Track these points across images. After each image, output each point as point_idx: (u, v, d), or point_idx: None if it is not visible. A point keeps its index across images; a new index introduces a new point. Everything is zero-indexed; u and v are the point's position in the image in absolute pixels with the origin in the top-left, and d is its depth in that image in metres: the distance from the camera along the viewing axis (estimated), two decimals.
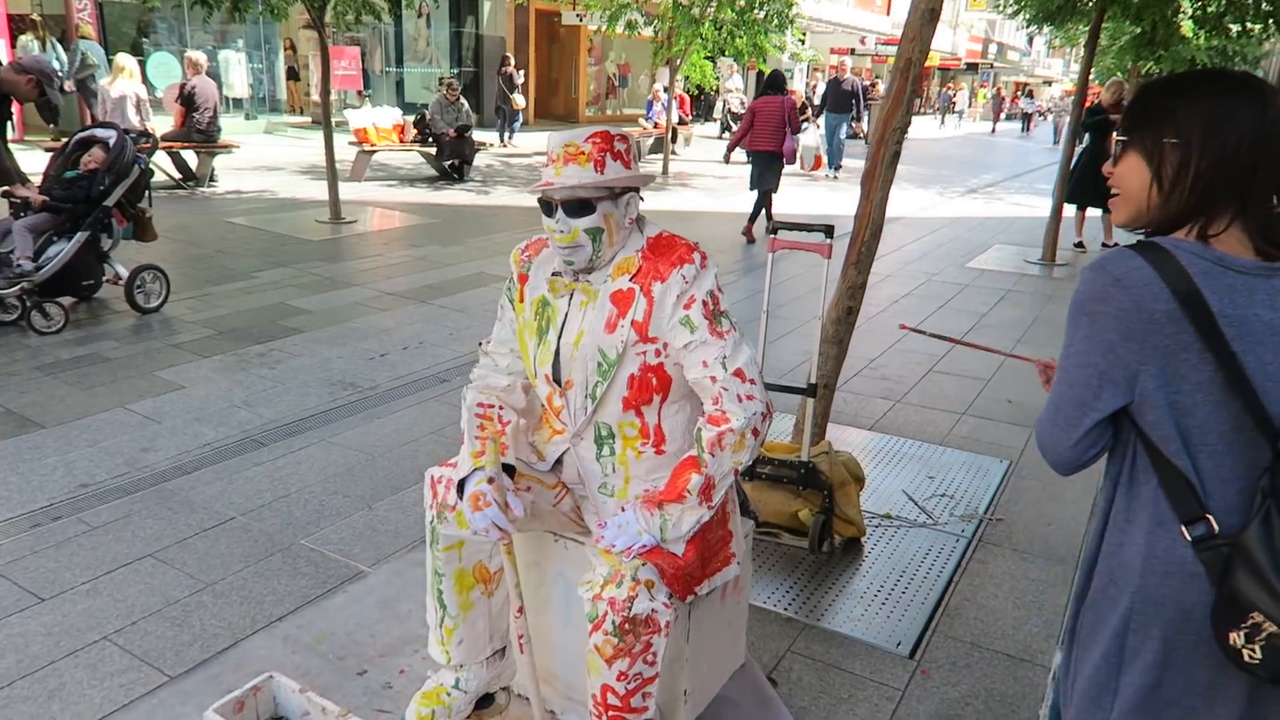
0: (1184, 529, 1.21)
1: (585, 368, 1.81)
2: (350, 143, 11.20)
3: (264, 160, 12.64)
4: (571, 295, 1.86)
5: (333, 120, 8.54)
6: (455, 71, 19.16)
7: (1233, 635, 1.16)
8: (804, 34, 15.58)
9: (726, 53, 13.67)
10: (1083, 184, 8.38)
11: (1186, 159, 1.22)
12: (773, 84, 8.93)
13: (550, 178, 1.77)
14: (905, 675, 2.44)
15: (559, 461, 1.96)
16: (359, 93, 16.71)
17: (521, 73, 16.67)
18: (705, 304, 1.75)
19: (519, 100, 16.69)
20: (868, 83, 29.24)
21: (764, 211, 8.92)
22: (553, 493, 1.95)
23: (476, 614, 1.97)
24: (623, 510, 1.81)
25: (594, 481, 1.90)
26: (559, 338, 1.86)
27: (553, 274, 1.89)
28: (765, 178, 8.87)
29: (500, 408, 1.95)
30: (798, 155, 11.11)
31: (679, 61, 13.71)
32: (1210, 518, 1.20)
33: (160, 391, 4.24)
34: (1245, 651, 1.15)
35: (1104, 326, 1.22)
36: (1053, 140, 27.56)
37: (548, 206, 1.79)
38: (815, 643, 2.57)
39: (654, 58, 13.96)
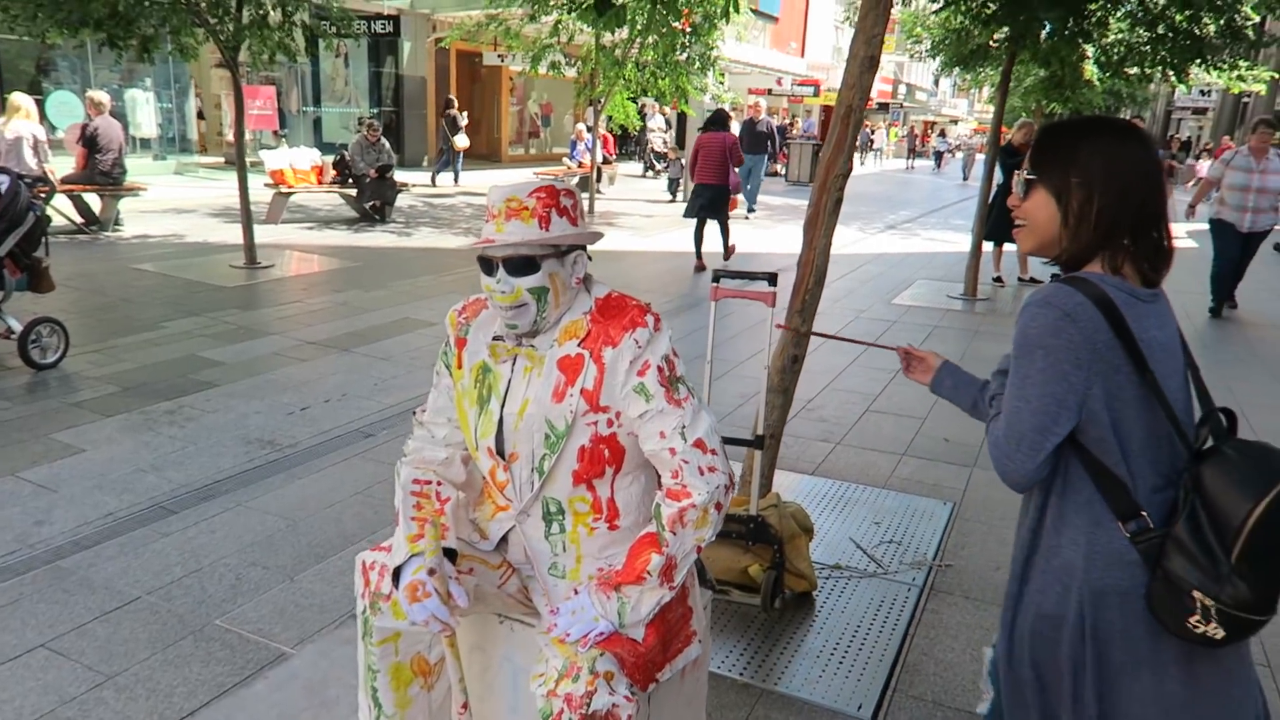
0: (1121, 525, 1.39)
1: (531, 439, 1.68)
2: (266, 184, 10.86)
3: (174, 202, 12.16)
4: (515, 360, 1.73)
5: (248, 161, 8.24)
6: (375, 112, 18.89)
7: (1192, 621, 1.31)
8: (723, 75, 15.82)
9: (649, 94, 13.78)
10: (999, 221, 8.62)
11: (1090, 196, 1.42)
12: (715, 121, 9.38)
13: (491, 234, 1.65)
14: None
15: (504, 540, 1.81)
16: (275, 133, 16.29)
17: (465, 115, 16.65)
18: (660, 370, 1.63)
19: (461, 141, 16.63)
20: (785, 122, 29.91)
21: (722, 230, 9.47)
22: (497, 573, 1.79)
23: (415, 711, 1.80)
24: (576, 593, 1.67)
25: (543, 562, 1.75)
26: (502, 407, 1.72)
27: (494, 338, 1.75)
28: (713, 208, 9.27)
29: (438, 484, 1.79)
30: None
31: (602, 102, 13.76)
32: (1145, 514, 1.38)
33: (57, 456, 3.92)
34: (1208, 631, 1.30)
35: (1058, 358, 1.36)
36: (962, 177, 28.41)
37: (488, 264, 1.67)
38: (774, 710, 2.45)
39: (577, 98, 13.98)
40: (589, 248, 1.74)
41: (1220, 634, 1.29)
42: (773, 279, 2.96)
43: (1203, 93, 35.04)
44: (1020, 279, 9.57)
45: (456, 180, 16.92)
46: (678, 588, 1.63)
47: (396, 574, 1.63)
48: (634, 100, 14.90)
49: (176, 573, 3.03)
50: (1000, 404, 1.47)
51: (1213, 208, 8.21)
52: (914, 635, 2.85)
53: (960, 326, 7.47)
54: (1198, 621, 1.30)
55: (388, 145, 11.70)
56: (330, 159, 11.59)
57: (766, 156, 15.09)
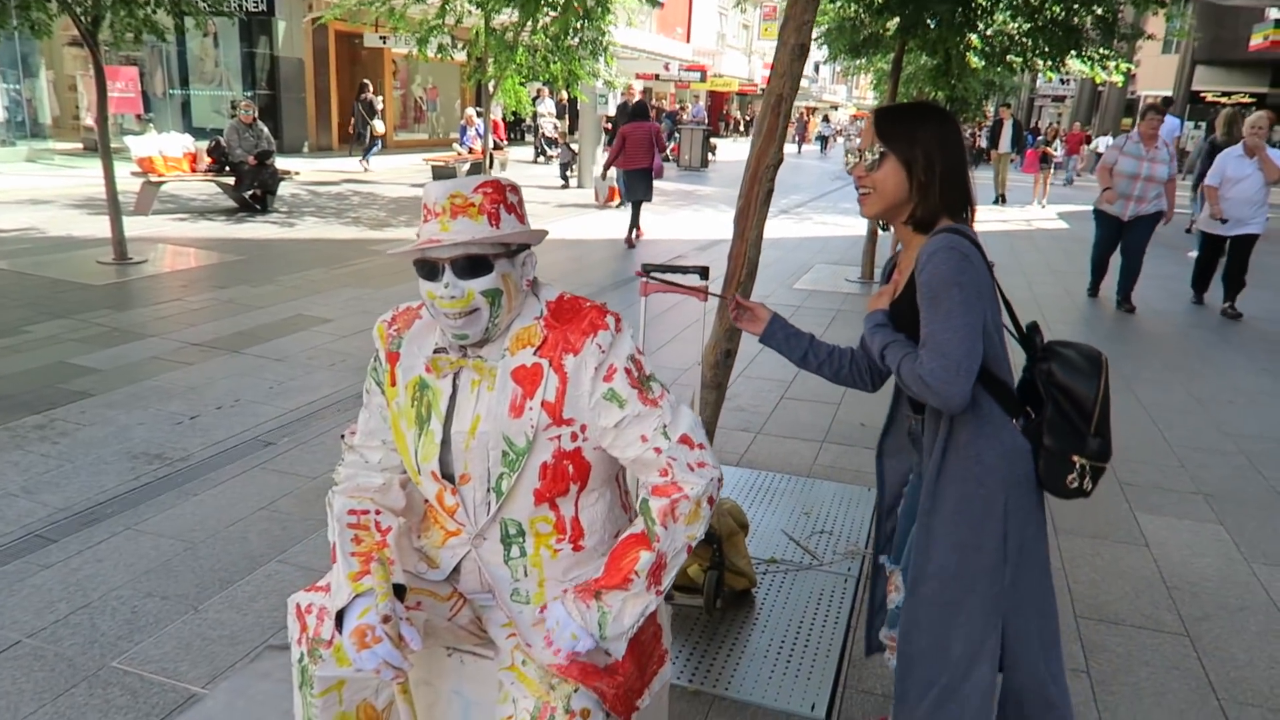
0: (1014, 422, 1.77)
1: (486, 458, 1.53)
2: (134, 172, 10.10)
3: (28, 192, 11.20)
4: (457, 374, 1.58)
5: (111, 147, 7.61)
6: (250, 94, 17.87)
7: (1070, 479, 1.71)
8: (614, 60, 15.68)
9: (541, 78, 13.52)
10: None
11: (933, 165, 1.72)
12: (638, 112, 10.72)
13: (435, 233, 1.48)
14: None
15: (455, 569, 1.66)
16: (138, 117, 15.23)
17: (380, 99, 16.14)
18: (629, 371, 1.52)
19: (378, 126, 16.10)
20: (675, 108, 30.00)
21: (636, 219, 10.52)
22: (447, 605, 1.64)
23: None
24: (542, 610, 1.54)
25: (504, 588, 1.61)
26: (445, 425, 1.57)
27: (435, 350, 1.59)
28: (638, 190, 10.35)
29: (377, 512, 1.62)
30: (598, 189, 12.93)
31: (493, 87, 13.41)
32: (1028, 409, 1.80)
33: None
34: (1084, 485, 1.72)
35: (968, 293, 1.62)
36: (846, 165, 29.06)
37: (430, 268, 1.50)
38: (728, 717, 2.38)
39: (466, 81, 13.58)
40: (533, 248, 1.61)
41: (1089, 486, 1.72)
42: (704, 273, 2.87)
43: (1062, 81, 37.08)
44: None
45: (364, 167, 16.84)
46: (665, 593, 1.53)
47: (339, 617, 1.46)
48: (524, 84, 14.60)
49: (62, 610, 2.72)
50: (897, 353, 1.71)
51: (1098, 195, 7.99)
52: (855, 628, 2.84)
53: (860, 309, 7.56)
54: (1074, 479, 1.71)
55: (266, 130, 11.07)
56: (204, 145, 10.88)
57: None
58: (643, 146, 10.23)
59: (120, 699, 2.35)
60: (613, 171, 14.92)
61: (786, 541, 3.38)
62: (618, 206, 14.35)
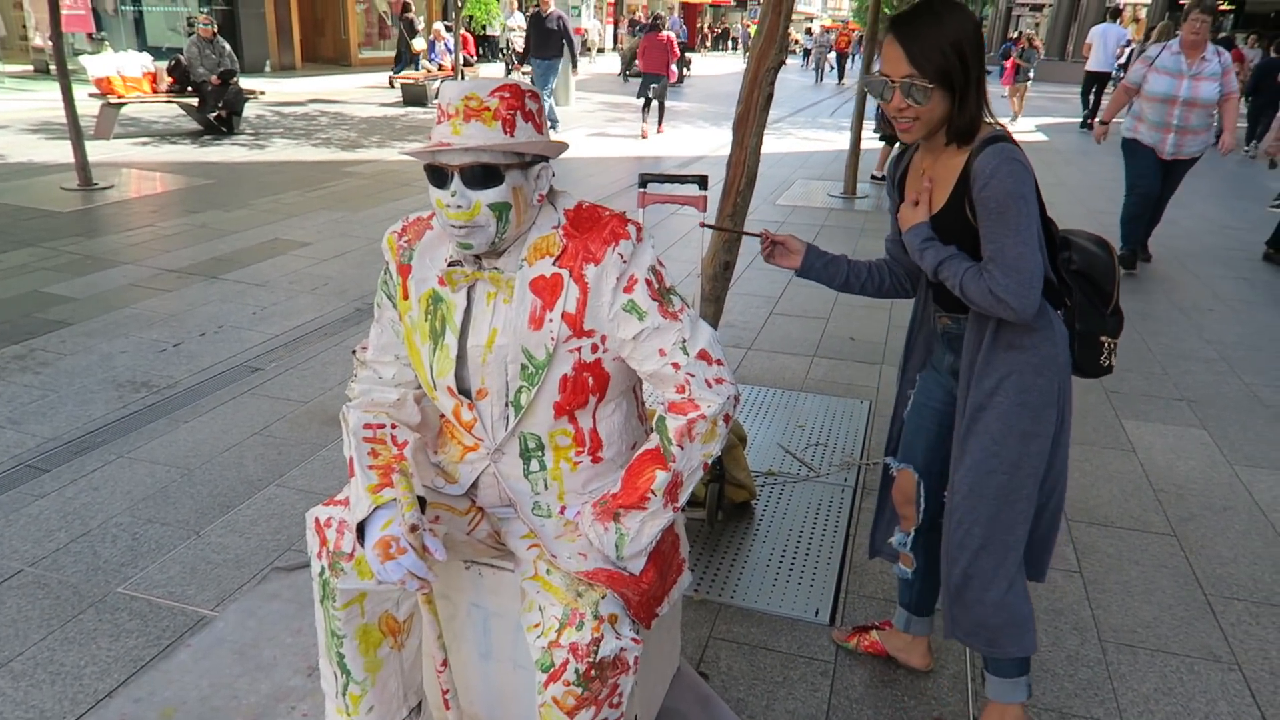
0: (1060, 313, 1.80)
1: (504, 372, 1.51)
2: (91, 94, 9.71)
3: None
4: (473, 287, 1.53)
5: (68, 67, 7.28)
6: (206, 9, 17.12)
7: (1102, 359, 1.84)
8: None
9: None
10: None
11: (968, 74, 1.64)
12: (653, 26, 12.81)
13: (446, 136, 1.42)
14: (831, 646, 2.35)
15: (474, 484, 1.64)
16: (90, 35, 14.57)
17: (422, 17, 15.56)
18: (649, 283, 1.48)
19: (418, 44, 15.58)
20: (648, 20, 29.14)
21: (659, 108, 12.58)
22: (465, 519, 1.64)
23: (387, 673, 1.65)
24: (566, 526, 1.55)
25: (525, 502, 1.61)
26: (461, 340, 1.53)
27: (449, 263, 1.55)
28: (653, 87, 12.31)
29: (392, 427, 1.60)
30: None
31: (461, 1, 12.93)
32: (1066, 300, 1.82)
33: None
34: (1112, 361, 1.85)
35: (1030, 203, 1.63)
36: (815, 78, 26.85)
37: (439, 175, 1.44)
38: (735, 624, 2.43)
39: None
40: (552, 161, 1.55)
41: (1111, 361, 1.85)
42: (703, 182, 2.82)
43: None
44: (874, 177, 9.61)
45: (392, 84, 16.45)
46: (681, 509, 1.53)
47: (360, 530, 1.45)
48: None
49: (61, 538, 2.71)
50: (957, 269, 1.68)
51: (1128, 123, 6.17)
52: (855, 535, 2.89)
53: (845, 225, 7.56)
54: (1104, 357, 1.83)
55: (228, 48, 10.64)
56: (164, 65, 10.45)
57: (560, 60, 12.22)
58: (656, 52, 12.28)
59: (130, 623, 2.35)
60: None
61: (783, 454, 3.41)
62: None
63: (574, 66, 12.91)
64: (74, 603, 2.42)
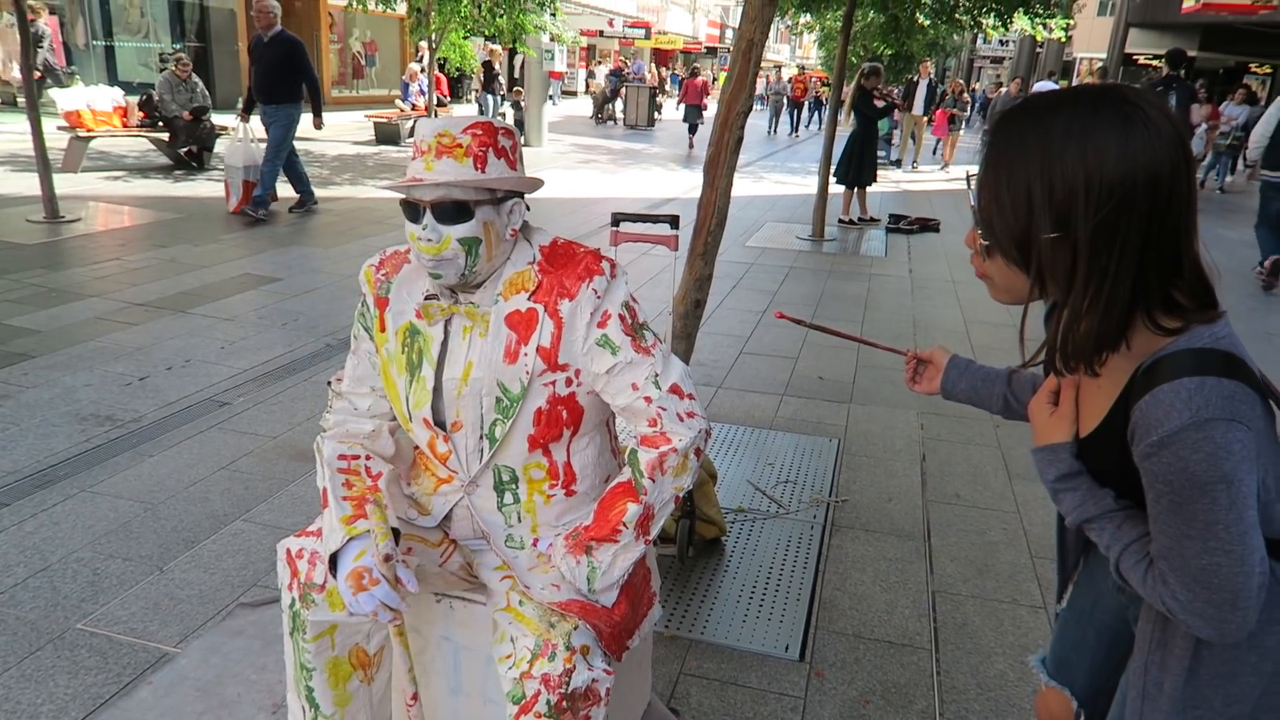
0: None
1: (479, 405, 1.53)
2: (60, 127, 9.65)
3: None
4: (449, 321, 1.56)
5: (37, 100, 7.25)
6: (180, 45, 17.15)
7: None
8: (562, 13, 15.40)
9: (488, 32, 13.23)
10: (860, 167, 9.16)
11: (1100, 251, 0.98)
12: (693, 73, 19.08)
13: (419, 173, 1.45)
14: (801, 681, 2.36)
15: (447, 516, 1.65)
16: (60, 69, 14.49)
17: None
18: (623, 318, 1.52)
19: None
20: (619, 65, 29.50)
21: (692, 128, 18.02)
22: (437, 551, 1.64)
23: (356, 707, 1.63)
24: (539, 558, 1.56)
25: (498, 535, 1.62)
26: (437, 372, 1.55)
27: (426, 297, 1.57)
28: (691, 116, 18.24)
29: (367, 458, 1.61)
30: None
31: (436, 41, 13.08)
32: None
33: None
34: None
35: (1242, 483, 0.98)
36: (768, 129, 23.60)
37: (413, 209, 1.48)
38: (705, 659, 2.43)
39: (412, 35, 13.23)
40: (527, 197, 1.58)
41: None
42: (674, 222, 2.88)
43: (1002, 42, 37.51)
44: (861, 219, 9.88)
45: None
46: (653, 541, 1.55)
47: (332, 561, 1.45)
48: (468, 39, 14.26)
49: (19, 574, 2.65)
50: (1115, 542, 1.10)
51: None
52: (824, 572, 2.91)
53: (814, 267, 7.68)
54: None
55: (201, 85, 10.65)
56: (135, 99, 10.43)
57: (297, 106, 8.20)
58: (695, 91, 18.19)
59: (89, 660, 2.30)
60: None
61: (753, 491, 3.44)
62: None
63: (316, 115, 8.56)
64: (31, 639, 2.36)
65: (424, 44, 13.37)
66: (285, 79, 7.95)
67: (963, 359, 1.50)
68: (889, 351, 1.62)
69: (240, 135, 8.17)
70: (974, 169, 1.12)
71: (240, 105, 8.45)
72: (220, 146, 11.95)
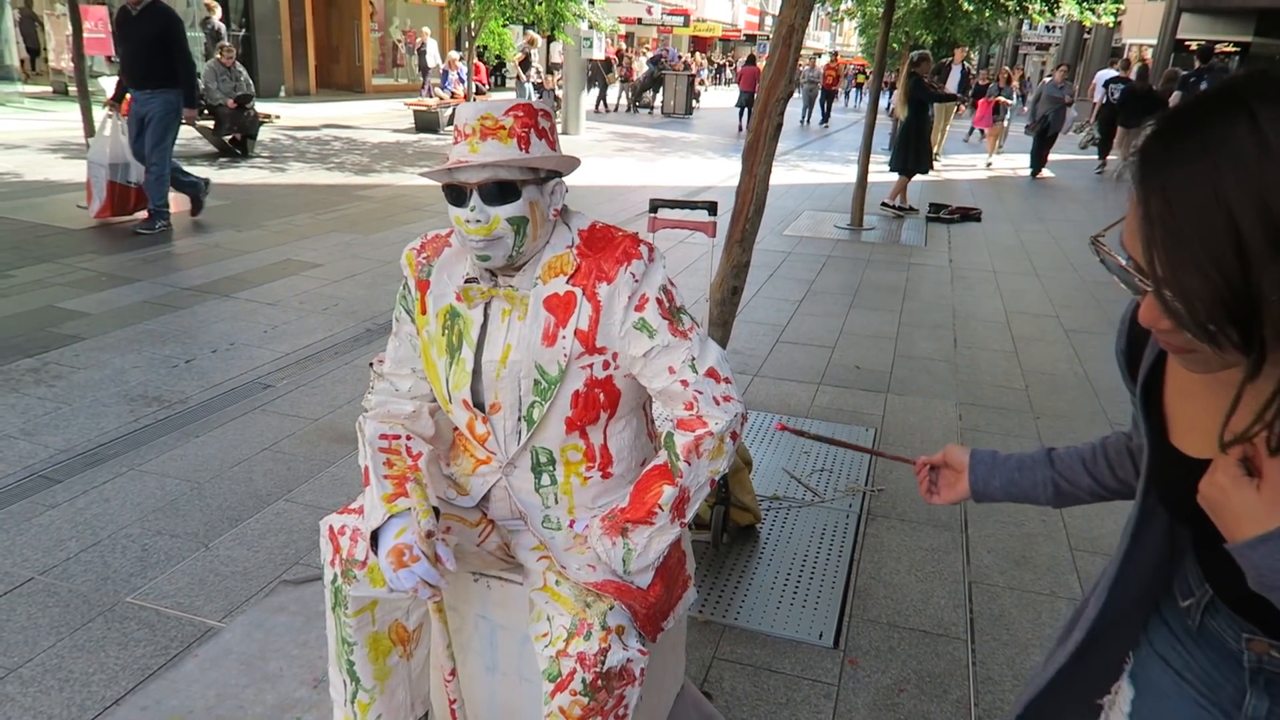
0: None
1: (517, 387, 1.54)
2: (109, 115, 9.83)
3: (0, 137, 10.91)
4: (489, 304, 1.57)
5: (88, 89, 7.39)
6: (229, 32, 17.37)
7: None
8: (602, 2, 15.39)
9: (526, 20, 13.25)
10: (918, 153, 9.08)
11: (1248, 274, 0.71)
12: (750, 60, 20.93)
13: (464, 155, 1.47)
14: (835, 668, 2.36)
15: (485, 496, 1.67)
16: (109, 58, 14.80)
17: (435, 43, 15.93)
18: (660, 302, 1.52)
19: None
20: (659, 52, 29.40)
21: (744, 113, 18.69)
22: (475, 531, 1.66)
23: (395, 682, 1.67)
24: (577, 539, 1.57)
25: (535, 515, 1.64)
26: (477, 355, 1.57)
27: (466, 280, 1.59)
28: (744, 100, 19.15)
29: (407, 438, 1.63)
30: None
31: (475, 30, 13.13)
32: None
33: None
34: None
35: None
36: (801, 118, 22.62)
37: (458, 193, 1.49)
38: (739, 645, 2.44)
39: (451, 24, 13.28)
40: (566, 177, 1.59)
41: None
42: (712, 208, 2.87)
43: (1048, 28, 36.70)
44: (885, 203, 9.74)
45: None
46: (689, 524, 1.56)
47: (373, 538, 1.48)
48: (507, 26, 14.31)
49: (72, 548, 2.73)
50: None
51: None
52: (859, 560, 2.90)
53: (852, 256, 7.62)
54: None
55: (245, 73, 10.81)
56: None
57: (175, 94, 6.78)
58: (750, 78, 18.80)
59: (138, 632, 2.37)
60: None
61: (788, 479, 3.43)
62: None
63: (189, 104, 6.96)
64: (83, 611, 2.44)
65: (423, 32, 13.40)
66: (159, 59, 6.58)
67: (986, 452, 1.29)
68: (897, 461, 1.44)
69: (108, 129, 6.94)
70: (1102, 229, 0.86)
71: (109, 93, 7.20)
72: (264, 134, 12.12)
